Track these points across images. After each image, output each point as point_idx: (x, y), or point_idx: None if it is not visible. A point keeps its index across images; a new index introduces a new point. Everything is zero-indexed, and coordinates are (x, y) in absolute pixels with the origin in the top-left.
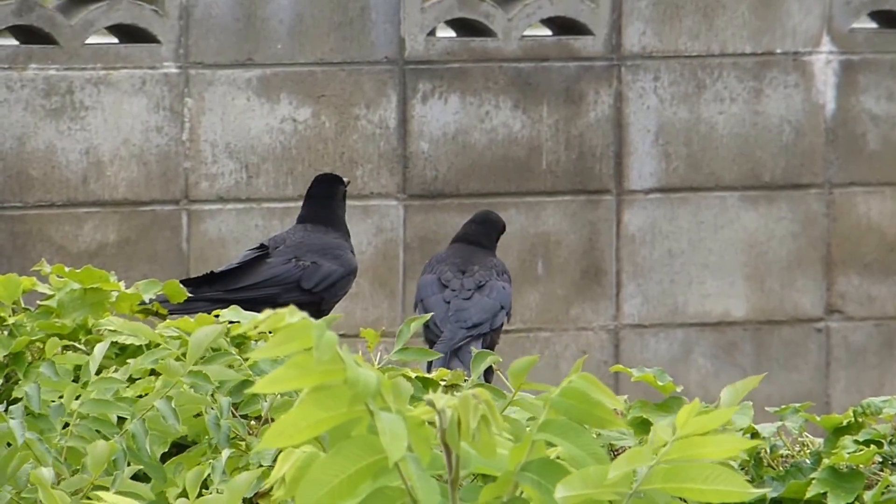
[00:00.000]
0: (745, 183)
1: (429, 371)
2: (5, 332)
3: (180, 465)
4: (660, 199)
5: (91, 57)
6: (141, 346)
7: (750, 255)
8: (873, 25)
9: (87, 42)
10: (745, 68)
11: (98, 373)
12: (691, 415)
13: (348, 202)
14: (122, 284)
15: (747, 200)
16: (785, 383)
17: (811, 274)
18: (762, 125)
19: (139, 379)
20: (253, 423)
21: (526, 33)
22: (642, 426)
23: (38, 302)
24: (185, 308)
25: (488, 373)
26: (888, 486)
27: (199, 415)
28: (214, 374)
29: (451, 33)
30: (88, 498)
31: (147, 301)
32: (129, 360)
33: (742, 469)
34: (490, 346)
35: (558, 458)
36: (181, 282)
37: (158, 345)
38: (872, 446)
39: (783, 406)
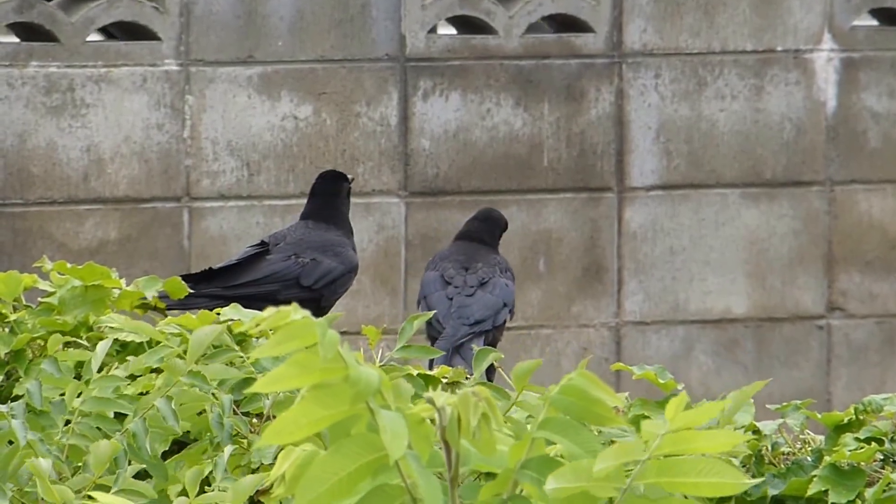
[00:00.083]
0: (746, 180)
1: (430, 368)
2: (6, 330)
3: (182, 462)
4: (661, 196)
5: (92, 54)
6: (142, 343)
7: (751, 253)
8: (874, 23)
9: (87, 39)
10: (746, 66)
11: (99, 370)
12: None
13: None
14: (123, 282)
15: (748, 198)
16: (786, 381)
17: (812, 271)
18: (763, 122)
19: (140, 376)
20: (255, 420)
21: (526, 31)
22: None
23: (40, 299)
24: (184, 304)
25: (490, 371)
26: (889, 483)
27: (201, 412)
28: (217, 373)
29: (452, 30)
30: (90, 497)
31: (148, 297)
32: (129, 358)
33: (743, 466)
34: (492, 343)
35: (559, 456)
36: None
37: (159, 342)
38: (873, 444)
39: (784, 403)
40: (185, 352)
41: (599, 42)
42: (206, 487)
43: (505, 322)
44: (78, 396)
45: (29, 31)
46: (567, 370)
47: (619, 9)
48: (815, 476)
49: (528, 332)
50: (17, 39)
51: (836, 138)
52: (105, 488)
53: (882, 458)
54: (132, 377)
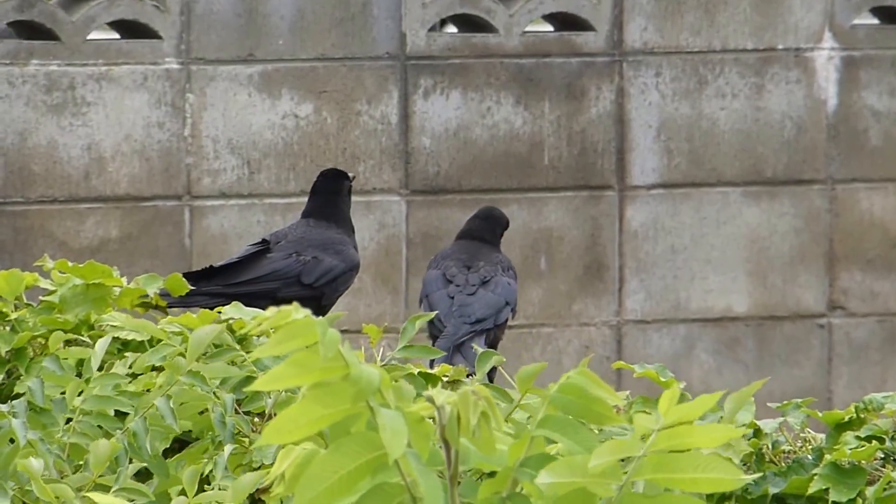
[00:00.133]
0: (746, 179)
1: (431, 367)
2: (7, 328)
3: (183, 461)
4: (662, 194)
5: (92, 53)
6: (143, 341)
7: (752, 251)
8: (875, 21)
9: (88, 38)
10: (747, 64)
11: (101, 368)
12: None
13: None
14: (124, 280)
15: (749, 196)
16: (787, 379)
17: (813, 270)
18: (764, 121)
19: (141, 374)
20: (256, 419)
21: (527, 29)
22: None
23: (41, 297)
24: (185, 302)
25: (491, 370)
26: (890, 481)
27: (203, 411)
28: (218, 372)
29: (453, 29)
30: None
31: (149, 295)
32: (127, 354)
33: (744, 464)
34: (493, 342)
35: (560, 454)
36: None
37: (160, 340)
38: (874, 442)
39: (785, 402)
40: (186, 351)
41: (600, 40)
42: (206, 486)
43: (507, 321)
44: (79, 395)
45: (30, 30)
46: (568, 369)
47: (619, 7)
48: (815, 474)
49: (529, 330)
50: (17, 38)
51: (836, 137)
52: (106, 487)
53: (883, 456)
54: (133, 376)
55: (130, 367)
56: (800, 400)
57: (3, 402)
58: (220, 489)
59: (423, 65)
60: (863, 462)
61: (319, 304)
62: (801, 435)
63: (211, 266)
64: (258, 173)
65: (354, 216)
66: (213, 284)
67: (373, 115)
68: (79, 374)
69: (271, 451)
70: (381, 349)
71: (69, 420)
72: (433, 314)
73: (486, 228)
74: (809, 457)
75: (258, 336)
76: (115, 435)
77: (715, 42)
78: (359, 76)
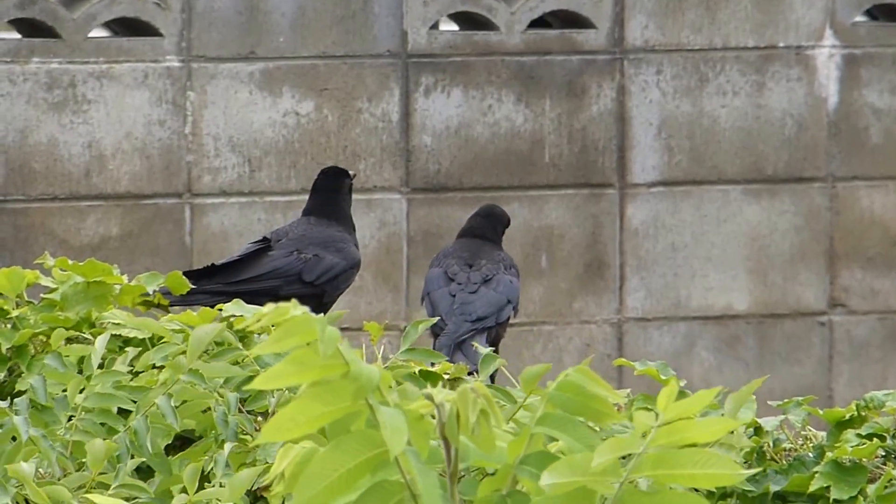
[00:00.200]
0: (747, 176)
1: (432, 364)
2: (9, 325)
3: (186, 460)
4: (663, 192)
5: (93, 50)
6: (144, 339)
7: (753, 249)
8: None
9: (89, 35)
10: (748, 62)
11: (102, 366)
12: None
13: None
14: (125, 278)
15: (750, 194)
16: (788, 377)
17: (814, 267)
18: (765, 119)
19: (142, 372)
20: (259, 418)
21: (528, 27)
22: None
23: (42, 295)
24: (186, 300)
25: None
26: (891, 479)
27: (206, 410)
28: (219, 371)
29: (454, 27)
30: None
31: (150, 293)
32: (128, 349)
33: (745, 462)
34: (495, 340)
35: (560, 452)
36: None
37: (161, 338)
38: (875, 440)
39: (786, 400)
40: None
41: (601, 38)
42: (207, 484)
43: (508, 319)
44: (81, 392)
45: (30, 28)
46: (569, 367)
47: (620, 5)
48: (816, 472)
49: (530, 328)
50: (18, 36)
51: (837, 134)
52: (108, 485)
53: (884, 454)
54: (135, 374)
55: (132, 364)
56: (801, 398)
57: (5, 400)
58: (220, 486)
59: (425, 62)
60: (864, 460)
61: (321, 301)
62: (802, 433)
63: (212, 264)
64: (259, 171)
65: (355, 214)
66: (214, 282)
67: (374, 113)
68: (80, 372)
69: (275, 450)
70: (382, 347)
71: (71, 417)
72: (435, 319)
73: (488, 226)
74: (810, 455)
75: (258, 333)
76: (119, 432)
77: (716, 40)
78: (360, 74)
